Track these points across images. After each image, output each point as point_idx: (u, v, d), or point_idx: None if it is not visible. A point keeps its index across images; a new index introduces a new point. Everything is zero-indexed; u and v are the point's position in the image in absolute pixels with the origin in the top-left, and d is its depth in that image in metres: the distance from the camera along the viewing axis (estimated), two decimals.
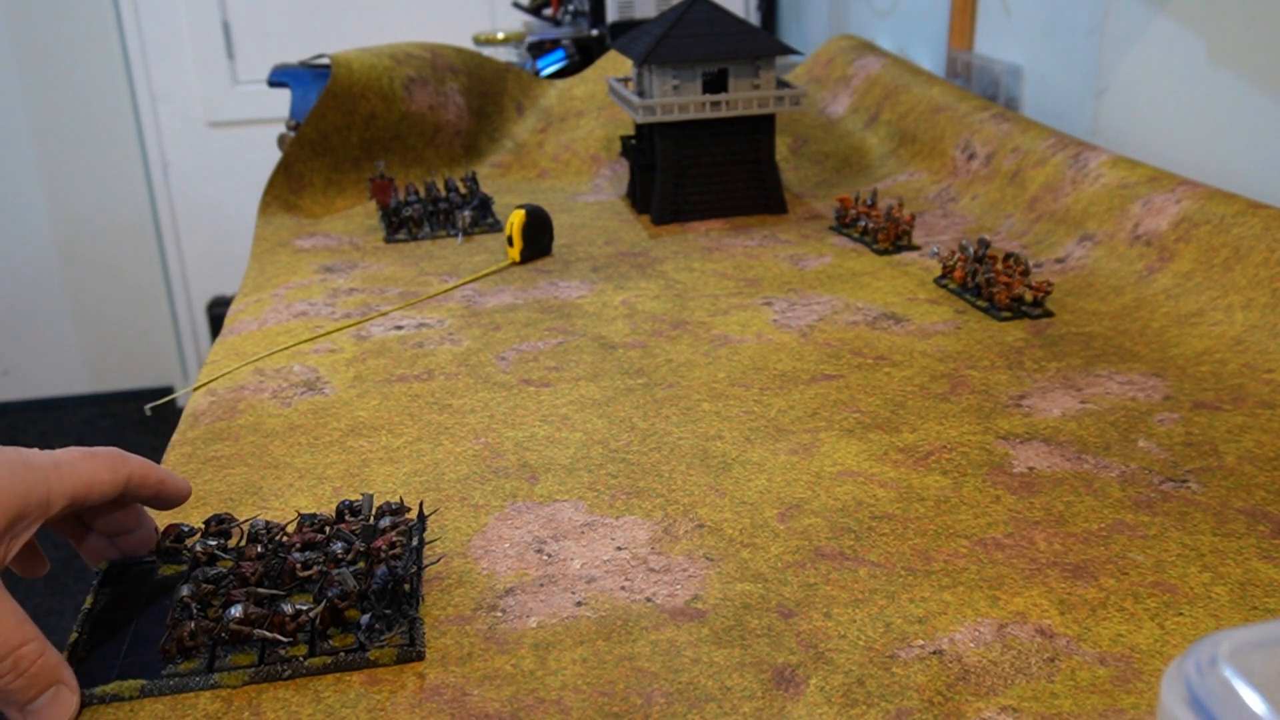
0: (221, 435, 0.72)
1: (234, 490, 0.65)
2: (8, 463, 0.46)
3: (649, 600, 0.53)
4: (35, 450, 0.48)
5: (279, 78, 1.28)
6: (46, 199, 2.73)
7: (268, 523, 0.57)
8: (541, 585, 0.55)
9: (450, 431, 0.71)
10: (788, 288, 0.95)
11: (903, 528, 0.59)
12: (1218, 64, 0.97)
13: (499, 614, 0.53)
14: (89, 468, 0.49)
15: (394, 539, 0.54)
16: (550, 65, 1.77)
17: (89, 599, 0.54)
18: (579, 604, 0.53)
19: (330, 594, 0.50)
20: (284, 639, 0.49)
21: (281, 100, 1.38)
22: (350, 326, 0.89)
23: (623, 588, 0.54)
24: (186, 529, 0.57)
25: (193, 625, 0.49)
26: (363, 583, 0.51)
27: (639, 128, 1.18)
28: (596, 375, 0.79)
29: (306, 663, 0.49)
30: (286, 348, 0.85)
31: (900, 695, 0.46)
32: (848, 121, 1.41)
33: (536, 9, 2.08)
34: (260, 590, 0.51)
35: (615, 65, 1.46)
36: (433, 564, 0.56)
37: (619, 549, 0.58)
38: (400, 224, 1.14)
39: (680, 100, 1.10)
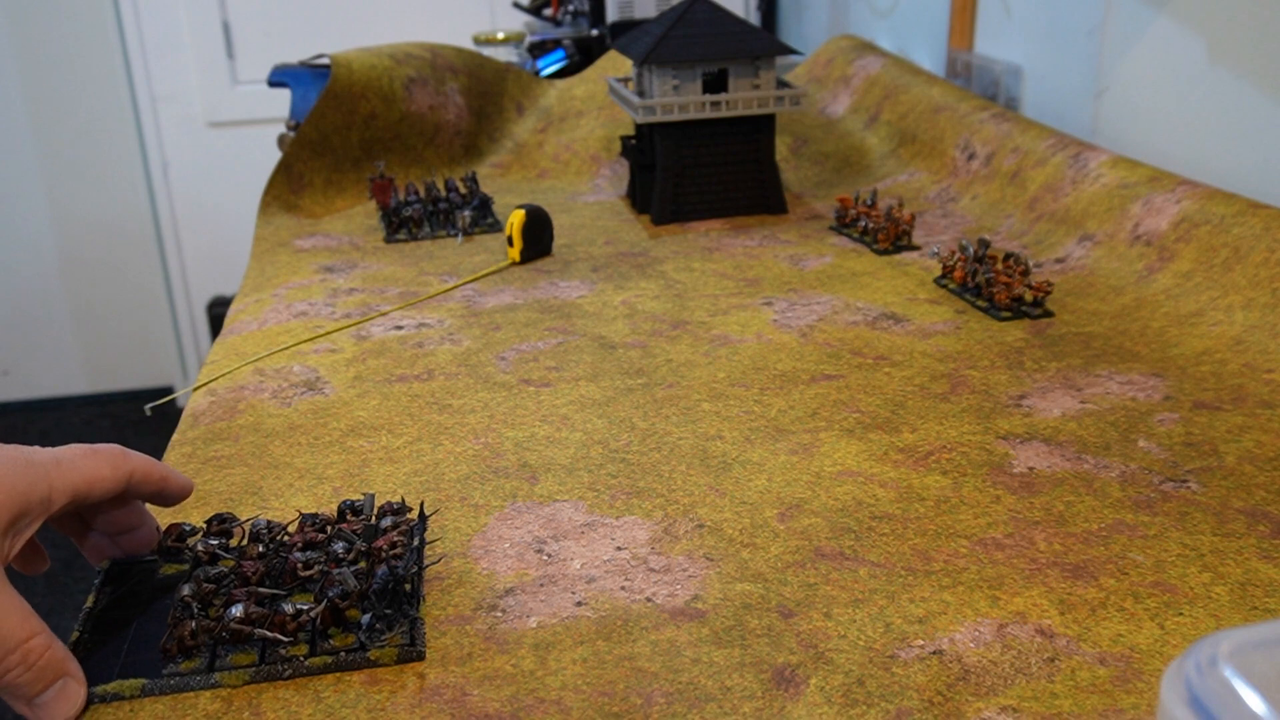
0: (221, 435, 0.72)
1: (234, 490, 0.65)
2: (9, 460, 0.46)
3: (649, 600, 0.53)
4: (37, 448, 0.48)
5: (279, 78, 1.28)
6: (46, 199, 2.73)
7: (269, 522, 0.57)
8: (541, 585, 0.55)
9: (450, 431, 0.71)
10: (788, 288, 0.95)
11: (903, 528, 0.59)
12: (1218, 64, 0.97)
13: (499, 614, 0.53)
14: (90, 465, 0.49)
15: (395, 539, 0.54)
16: (550, 65, 1.77)
17: (90, 598, 0.54)
18: (579, 604, 0.53)
19: (331, 594, 0.50)
20: (285, 638, 0.49)
21: (281, 100, 1.38)
22: (350, 326, 0.90)
23: (623, 588, 0.55)
24: (188, 528, 0.57)
25: (194, 624, 0.49)
26: (364, 582, 0.51)
27: (639, 128, 1.19)
28: (596, 375, 0.79)
29: (307, 662, 0.49)
30: (286, 348, 0.85)
31: (900, 695, 0.47)
32: (848, 121, 1.41)
33: (536, 9, 2.08)
34: (261, 590, 0.51)
35: (615, 65, 1.46)
36: (433, 564, 0.56)
37: (619, 549, 0.58)
38: (400, 224, 1.14)
39: (680, 100, 1.10)
